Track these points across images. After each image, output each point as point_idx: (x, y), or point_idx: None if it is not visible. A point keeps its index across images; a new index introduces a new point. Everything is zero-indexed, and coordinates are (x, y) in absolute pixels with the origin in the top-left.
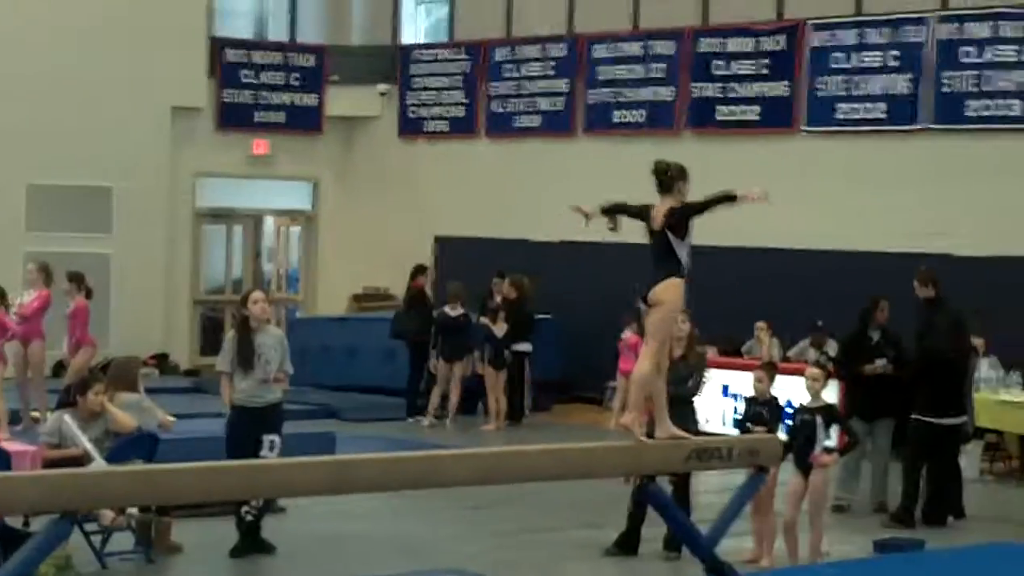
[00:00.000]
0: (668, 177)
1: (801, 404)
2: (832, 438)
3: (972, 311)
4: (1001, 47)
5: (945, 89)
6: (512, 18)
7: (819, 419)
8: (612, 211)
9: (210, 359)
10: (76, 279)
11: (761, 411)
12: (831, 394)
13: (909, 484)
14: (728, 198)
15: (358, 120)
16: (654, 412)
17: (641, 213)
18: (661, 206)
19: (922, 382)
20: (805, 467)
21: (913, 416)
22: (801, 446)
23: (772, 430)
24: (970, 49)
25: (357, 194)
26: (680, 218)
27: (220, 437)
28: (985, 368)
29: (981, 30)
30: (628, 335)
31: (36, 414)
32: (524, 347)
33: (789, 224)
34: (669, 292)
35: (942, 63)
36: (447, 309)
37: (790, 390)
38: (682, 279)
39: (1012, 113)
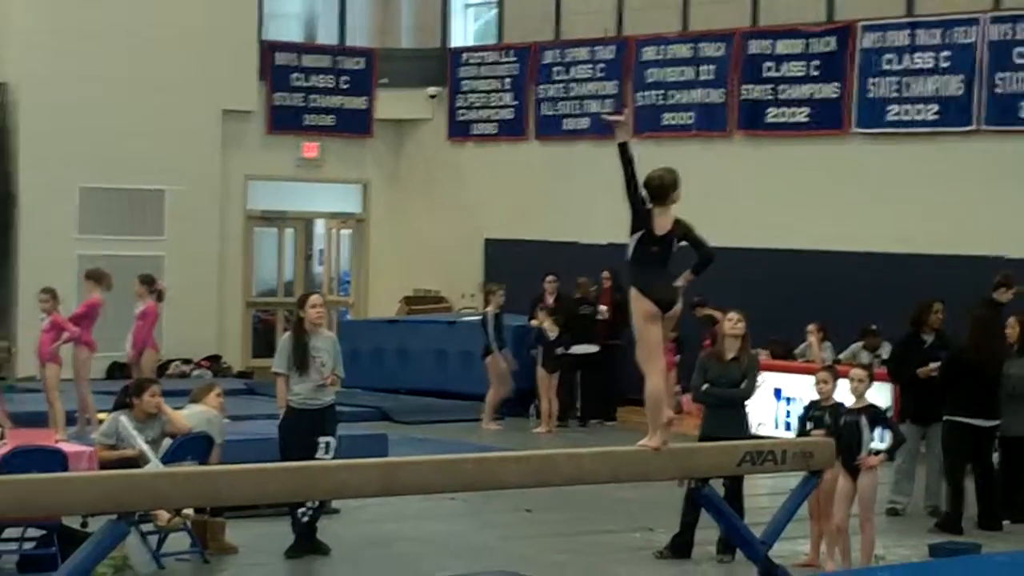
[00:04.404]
0: (663, 190)
1: (847, 406)
2: (885, 440)
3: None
4: None
5: (998, 90)
6: (560, 20)
7: (864, 420)
8: (627, 155)
9: (262, 361)
10: (147, 281)
11: (823, 415)
12: (880, 396)
13: (952, 489)
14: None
15: (407, 123)
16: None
17: (640, 207)
18: (663, 214)
19: (952, 384)
20: (853, 469)
21: (945, 417)
22: (847, 448)
23: (832, 434)
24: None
25: (406, 197)
26: (684, 235)
27: (273, 438)
28: None
29: None
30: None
31: (90, 415)
32: (583, 349)
33: (840, 226)
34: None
35: (995, 64)
36: (492, 308)
37: (843, 393)
38: None
39: None
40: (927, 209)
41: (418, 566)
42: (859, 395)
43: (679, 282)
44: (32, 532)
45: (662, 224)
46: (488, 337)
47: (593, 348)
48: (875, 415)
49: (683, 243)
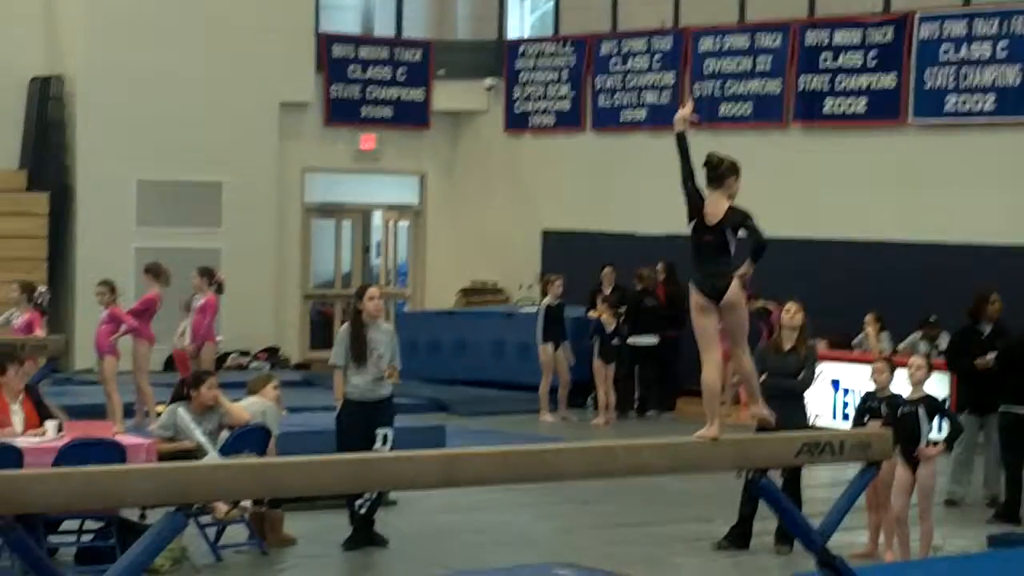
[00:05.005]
0: (720, 172)
1: (904, 396)
2: (943, 429)
3: None
4: None
5: None
6: (617, 12)
7: (922, 410)
8: (683, 145)
9: (320, 353)
10: (206, 274)
11: (878, 406)
12: (938, 386)
13: (1010, 479)
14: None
15: (464, 114)
16: (746, 395)
17: (693, 197)
18: (716, 203)
19: (1008, 374)
20: (912, 460)
21: (1001, 408)
22: (906, 438)
23: (888, 425)
24: None
25: (464, 188)
26: (740, 223)
27: (331, 430)
28: None
29: None
30: None
31: (148, 408)
32: (644, 340)
33: (898, 217)
34: (740, 295)
35: None
36: (549, 298)
37: (899, 383)
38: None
39: None
40: (985, 199)
41: (475, 557)
42: (916, 384)
43: (740, 271)
44: (90, 524)
45: (715, 212)
46: (537, 328)
47: (653, 340)
48: (933, 405)
49: (740, 233)
